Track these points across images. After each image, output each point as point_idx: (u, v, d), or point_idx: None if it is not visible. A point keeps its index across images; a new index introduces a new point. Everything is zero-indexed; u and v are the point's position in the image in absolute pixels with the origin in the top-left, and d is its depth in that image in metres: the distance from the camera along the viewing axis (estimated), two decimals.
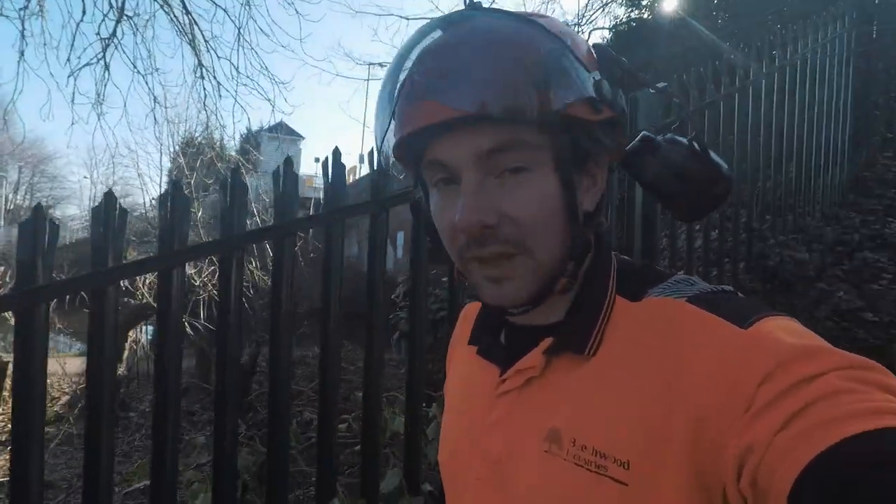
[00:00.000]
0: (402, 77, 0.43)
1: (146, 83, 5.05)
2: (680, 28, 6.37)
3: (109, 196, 1.29)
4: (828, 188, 3.45)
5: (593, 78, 0.44)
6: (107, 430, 1.24)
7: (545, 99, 0.41)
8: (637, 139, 0.54)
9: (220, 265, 1.44)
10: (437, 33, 0.43)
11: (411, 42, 0.44)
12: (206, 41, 4.97)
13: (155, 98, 5.11)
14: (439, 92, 0.41)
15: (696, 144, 0.52)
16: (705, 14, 6.51)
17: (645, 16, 7.82)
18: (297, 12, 5.17)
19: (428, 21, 0.45)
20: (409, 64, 0.43)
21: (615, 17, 8.78)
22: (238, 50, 5.01)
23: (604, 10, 8.93)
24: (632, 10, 8.22)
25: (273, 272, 1.48)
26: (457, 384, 0.60)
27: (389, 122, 0.44)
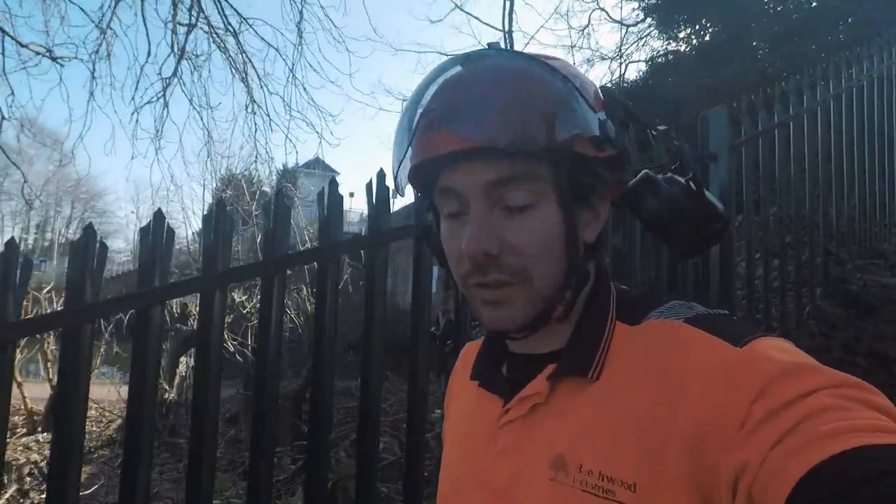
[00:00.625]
0: (419, 109, 0.46)
1: (201, 119, 5.41)
2: (715, 60, 6.30)
3: (159, 216, 1.30)
4: None
5: (598, 118, 0.46)
6: (145, 449, 1.20)
7: (552, 134, 0.43)
8: (639, 177, 0.56)
9: (262, 287, 1.42)
10: (456, 69, 0.46)
11: (431, 76, 0.47)
12: (259, 78, 5.27)
13: (209, 132, 5.45)
14: (451, 123, 0.43)
15: (692, 184, 0.53)
16: (746, 46, 6.45)
17: (682, 48, 7.80)
18: (348, 49, 5.45)
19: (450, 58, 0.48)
20: (427, 97, 0.46)
21: (652, 50, 8.82)
22: (289, 86, 5.33)
23: (638, 44, 9.02)
24: (668, 43, 8.23)
25: (316, 296, 1.45)
26: (458, 422, 0.60)
27: (406, 150, 0.47)
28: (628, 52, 9.08)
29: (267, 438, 1.32)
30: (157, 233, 1.27)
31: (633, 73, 8.61)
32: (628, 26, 8.73)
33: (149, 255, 1.26)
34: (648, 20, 8.30)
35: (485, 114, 0.43)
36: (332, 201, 1.45)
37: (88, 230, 1.23)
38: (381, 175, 1.51)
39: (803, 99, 2.56)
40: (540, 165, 0.45)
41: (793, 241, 2.52)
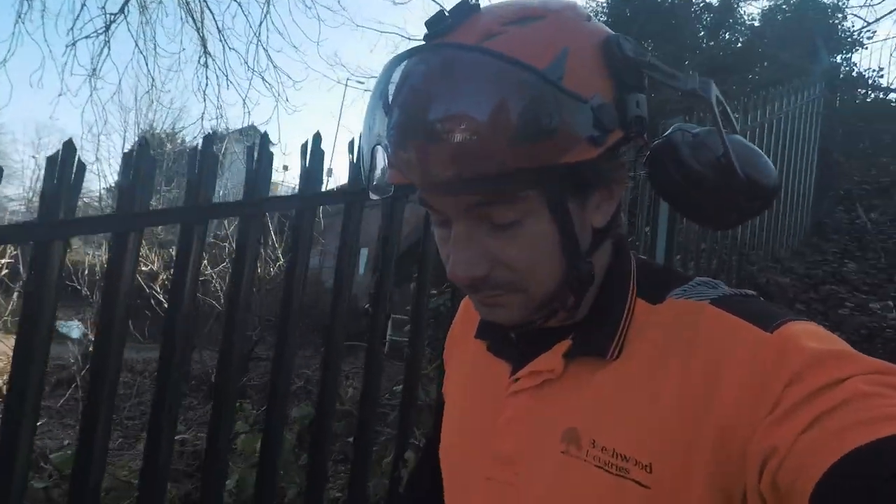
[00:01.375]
0: (385, 118, 0.40)
1: (146, 63, 4.96)
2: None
3: (143, 143, 1.26)
4: (795, 228, 3.96)
5: (592, 106, 0.39)
6: (31, 395, 1.13)
7: (526, 158, 0.37)
8: (664, 137, 0.48)
9: (180, 237, 1.37)
10: (418, 69, 0.39)
11: (395, 77, 0.40)
12: (219, 31, 4.91)
13: (153, 80, 4.99)
14: (420, 155, 0.38)
15: (723, 159, 0.45)
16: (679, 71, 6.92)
17: None
18: (318, 17, 5.20)
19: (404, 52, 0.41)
20: (392, 104, 0.39)
21: None
22: (248, 44, 4.98)
23: None
24: None
25: (235, 253, 1.41)
26: (461, 378, 0.58)
27: (372, 157, 0.42)
28: None
29: (171, 394, 1.27)
30: (66, 161, 1.18)
31: None
32: None
33: (55, 186, 1.17)
34: None
35: (451, 144, 0.37)
36: (262, 156, 1.41)
37: (68, 145, 1.17)
38: (316, 137, 1.50)
39: (738, 122, 3.00)
40: (521, 181, 0.39)
41: (709, 246, 2.99)
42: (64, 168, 1.18)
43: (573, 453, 0.43)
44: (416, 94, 0.39)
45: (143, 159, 1.27)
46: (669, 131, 0.48)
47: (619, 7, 7.45)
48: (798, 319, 0.39)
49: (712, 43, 7.08)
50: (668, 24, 7.16)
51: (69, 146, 1.18)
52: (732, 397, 0.37)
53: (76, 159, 1.20)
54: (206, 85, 5.00)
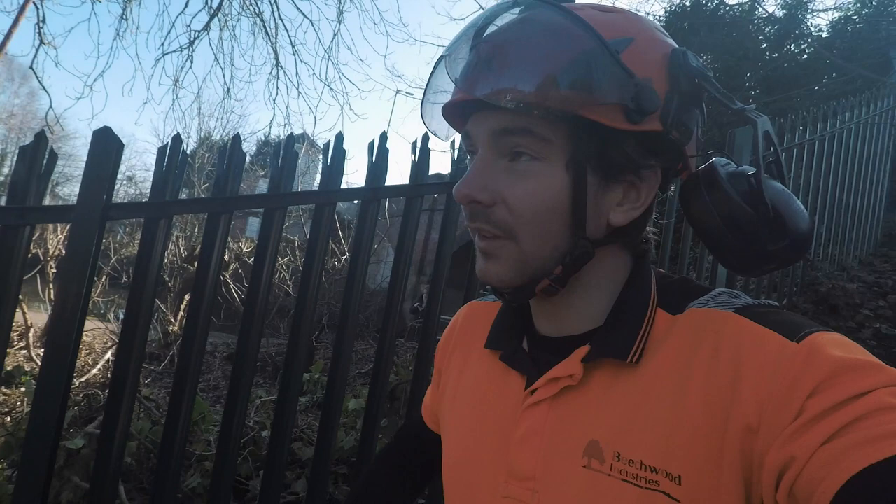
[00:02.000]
0: (449, 52, 0.45)
1: (223, 75, 5.54)
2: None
3: (177, 139, 1.37)
4: (863, 239, 4.01)
5: (636, 84, 0.40)
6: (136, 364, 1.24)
7: (555, 96, 0.39)
8: (702, 166, 0.48)
9: (207, 225, 1.47)
10: (504, 17, 0.44)
11: (478, 20, 0.45)
12: (292, 45, 5.34)
13: (228, 89, 5.53)
14: (469, 76, 0.43)
15: (753, 181, 0.45)
16: (738, 86, 6.64)
17: None
18: (386, 32, 5.58)
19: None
20: (463, 40, 0.45)
21: None
22: (317, 58, 5.42)
23: None
24: None
25: (258, 242, 1.48)
26: (466, 387, 0.56)
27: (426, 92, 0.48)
28: None
29: (191, 377, 1.34)
30: (38, 150, 1.25)
31: None
32: None
33: (26, 173, 1.24)
34: None
35: (496, 69, 0.41)
36: (336, 153, 1.51)
37: (40, 137, 1.24)
38: (339, 137, 1.56)
39: (806, 132, 3.00)
40: (546, 125, 0.42)
41: None
42: (35, 157, 1.25)
43: (596, 467, 0.41)
44: (498, 29, 0.43)
45: (174, 153, 1.39)
46: (705, 165, 0.48)
47: (677, 21, 7.26)
48: (824, 330, 0.38)
49: (776, 55, 6.76)
50: (729, 37, 6.90)
51: (41, 137, 1.24)
52: (755, 401, 0.36)
53: (48, 149, 1.27)
54: (277, 94, 5.56)
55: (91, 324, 4.94)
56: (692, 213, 0.47)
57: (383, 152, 1.58)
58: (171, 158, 1.37)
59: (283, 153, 1.49)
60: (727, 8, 6.90)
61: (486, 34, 0.43)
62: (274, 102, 5.58)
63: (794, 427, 0.33)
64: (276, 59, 5.29)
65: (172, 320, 4.97)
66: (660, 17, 7.65)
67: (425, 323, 1.63)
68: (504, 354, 0.52)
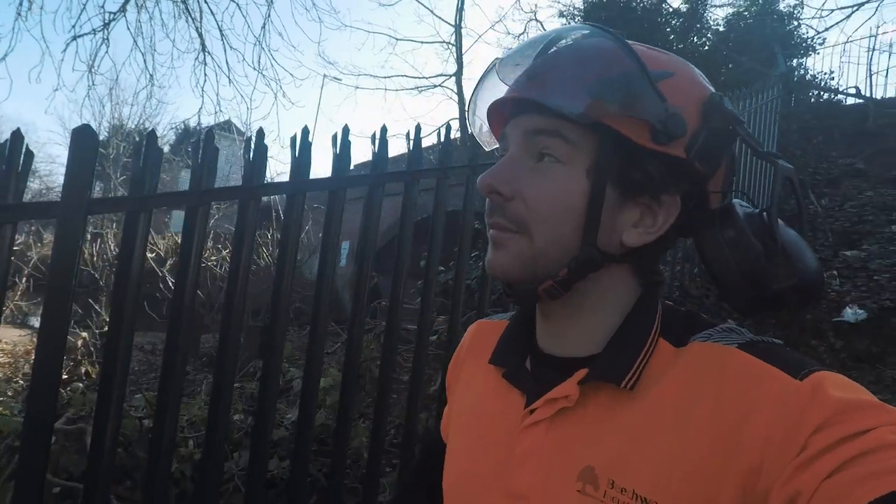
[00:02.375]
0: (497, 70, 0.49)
1: (144, 61, 5.14)
2: None
3: (152, 135, 1.39)
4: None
5: (667, 109, 0.42)
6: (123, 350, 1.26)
7: (588, 103, 0.42)
8: (719, 205, 0.49)
9: (186, 219, 1.49)
10: (569, 38, 0.47)
11: (544, 37, 0.48)
12: (220, 29, 5.06)
13: (151, 76, 5.17)
14: (521, 79, 0.46)
15: (765, 216, 0.46)
16: None
17: None
18: (319, 18, 5.38)
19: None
20: (528, 51, 0.48)
21: None
22: (247, 43, 5.15)
23: None
24: None
25: (182, 241, 1.47)
26: (470, 402, 0.57)
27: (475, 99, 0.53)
28: None
29: (118, 377, 1.38)
30: (14, 149, 1.28)
31: None
32: None
33: (5, 171, 1.26)
34: None
35: (538, 77, 0.44)
36: (303, 147, 1.58)
37: (16, 134, 1.26)
38: (260, 133, 1.55)
39: None
40: (576, 130, 0.44)
41: None
42: (12, 156, 1.27)
43: (590, 493, 0.42)
44: (557, 47, 0.47)
45: (151, 151, 1.43)
46: (723, 204, 0.49)
47: (595, 12, 7.73)
48: (825, 369, 0.39)
49: (681, 46, 7.41)
50: (642, 28, 7.47)
51: (17, 135, 1.27)
52: (760, 438, 0.36)
53: (24, 147, 1.29)
54: (205, 81, 5.26)
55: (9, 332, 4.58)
56: (703, 246, 0.48)
57: (306, 146, 1.60)
58: (149, 152, 1.40)
59: (203, 148, 1.46)
60: (639, 1, 7.46)
61: (530, 52, 0.47)
62: (202, 90, 5.32)
63: (799, 462, 0.34)
64: (203, 45, 5.09)
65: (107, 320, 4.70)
66: (580, 8, 8.12)
67: (390, 309, 1.72)
68: (507, 371, 0.52)
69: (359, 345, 1.70)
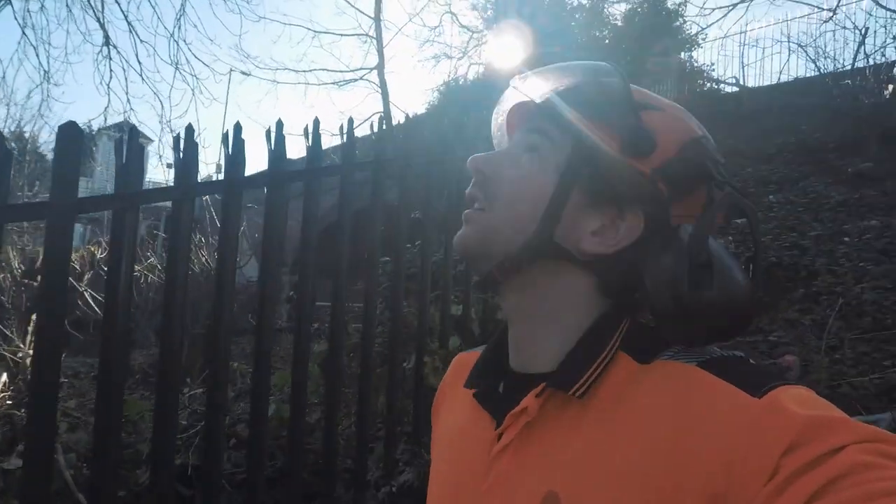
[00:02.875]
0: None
1: (37, 55, 4.49)
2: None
3: (134, 130, 1.39)
4: None
5: (637, 125, 0.44)
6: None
7: (570, 108, 0.46)
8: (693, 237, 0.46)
9: (113, 224, 1.44)
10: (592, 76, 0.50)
11: (570, 69, 0.52)
12: (128, 23, 4.51)
13: (46, 72, 4.63)
14: (529, 84, 0.51)
15: (749, 268, 0.46)
16: None
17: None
18: (240, 11, 4.98)
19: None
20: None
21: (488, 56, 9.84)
22: (164, 36, 4.63)
23: (479, 48, 10.00)
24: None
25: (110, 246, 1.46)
26: (448, 431, 0.58)
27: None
28: (470, 53, 10.07)
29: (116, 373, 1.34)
30: (131, 146, 1.34)
31: (473, 73, 9.54)
32: (472, 32, 9.69)
33: (123, 169, 1.31)
34: (488, 30, 9.28)
35: (530, 79, 0.51)
36: (188, 147, 1.51)
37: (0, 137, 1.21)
38: (189, 130, 1.54)
39: None
40: (558, 131, 0.48)
41: None
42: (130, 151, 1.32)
43: None
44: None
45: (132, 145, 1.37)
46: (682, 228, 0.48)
47: (507, 4, 8.03)
48: (788, 384, 0.39)
49: (585, 39, 7.90)
50: (552, 22, 7.86)
51: (134, 131, 1.35)
52: (722, 463, 0.36)
53: (3, 150, 1.23)
54: (111, 77, 4.69)
55: None
56: (645, 272, 0.46)
57: (239, 144, 1.58)
58: (131, 150, 1.35)
59: (126, 149, 1.39)
60: None
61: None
62: (108, 87, 4.77)
63: (770, 489, 0.33)
64: (106, 37, 4.60)
65: (21, 346, 4.22)
66: (492, 0, 8.37)
67: (298, 309, 1.70)
68: (477, 392, 0.53)
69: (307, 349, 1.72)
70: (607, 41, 7.51)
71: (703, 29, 7.53)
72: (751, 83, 6.91)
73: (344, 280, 1.84)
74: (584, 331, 0.47)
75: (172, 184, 1.49)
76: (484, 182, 0.50)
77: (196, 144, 1.54)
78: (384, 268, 2.69)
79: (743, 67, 7.79)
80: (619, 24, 7.62)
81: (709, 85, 6.89)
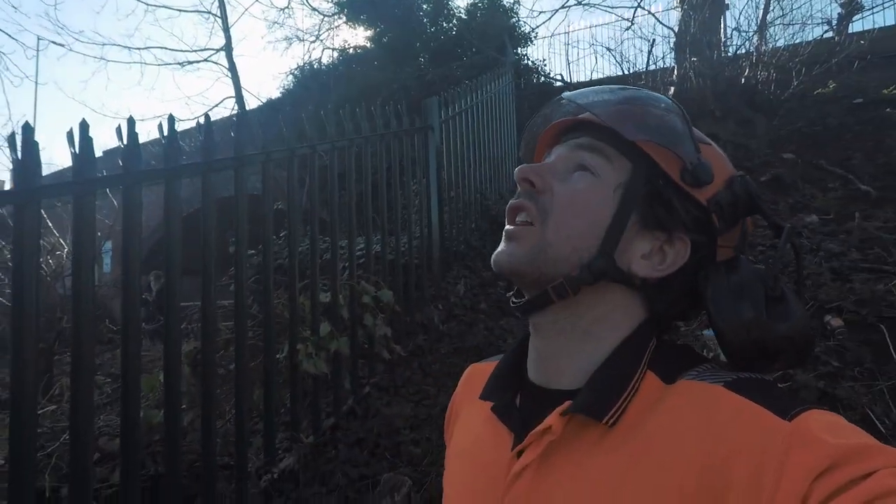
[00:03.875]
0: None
1: None
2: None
3: (84, 126, 1.39)
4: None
5: (697, 156, 0.46)
6: None
7: (634, 129, 0.46)
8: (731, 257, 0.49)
9: (15, 219, 1.35)
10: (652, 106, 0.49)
11: (630, 96, 0.51)
12: None
13: None
14: (577, 105, 0.50)
15: (774, 288, 0.46)
16: (413, 55, 7.85)
17: (368, 45, 8.82)
18: None
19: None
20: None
21: (343, 41, 9.67)
22: None
23: (331, 32, 9.76)
24: (356, 36, 9.13)
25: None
26: (464, 446, 0.56)
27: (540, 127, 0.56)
28: (323, 37, 9.80)
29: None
30: (84, 139, 1.30)
31: (327, 57, 9.32)
32: (324, 16, 9.41)
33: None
34: (340, 14, 9.10)
35: (590, 100, 0.48)
36: (26, 145, 1.41)
37: None
38: (83, 125, 1.49)
39: (465, 101, 4.09)
40: (617, 152, 0.47)
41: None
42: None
43: None
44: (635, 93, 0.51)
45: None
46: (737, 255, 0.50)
47: None
48: (815, 408, 0.38)
49: (434, 29, 8.21)
50: (399, 8, 7.99)
51: (84, 126, 1.25)
52: (755, 487, 0.35)
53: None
54: None
55: None
56: (707, 291, 0.47)
57: (87, 141, 1.50)
58: (82, 140, 1.39)
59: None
60: None
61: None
62: None
63: None
64: None
65: None
66: None
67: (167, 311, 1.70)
68: (495, 405, 0.52)
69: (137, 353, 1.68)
70: (454, 32, 7.91)
71: (533, 29, 8.38)
72: (577, 78, 7.96)
73: (212, 276, 1.83)
74: (613, 349, 0.47)
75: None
76: (534, 194, 0.48)
77: (37, 143, 1.43)
78: (250, 260, 2.66)
79: (569, 64, 9.03)
80: (464, 16, 8.06)
81: (542, 79, 7.73)
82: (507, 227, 0.49)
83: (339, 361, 2.41)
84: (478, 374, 0.60)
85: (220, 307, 2.45)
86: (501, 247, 0.48)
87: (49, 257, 3.89)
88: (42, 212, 1.45)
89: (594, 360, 0.47)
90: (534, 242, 0.46)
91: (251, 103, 8.82)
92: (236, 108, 7.88)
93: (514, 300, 0.50)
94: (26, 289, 1.35)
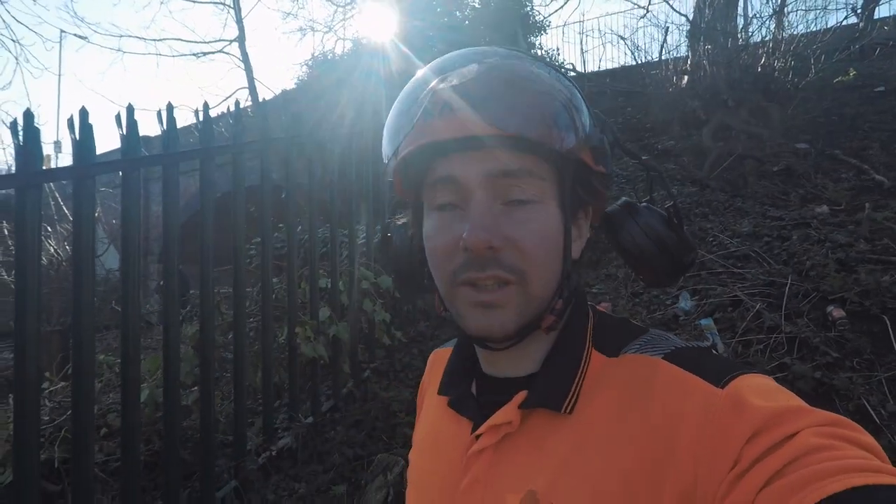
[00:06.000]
0: (427, 95, 0.43)
1: None
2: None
3: (84, 113, 1.42)
4: None
5: (598, 133, 0.46)
6: None
7: (561, 133, 0.42)
8: (618, 203, 0.54)
9: (16, 203, 1.41)
10: (468, 63, 0.44)
11: (440, 65, 0.45)
12: None
13: None
14: (460, 110, 0.41)
15: (672, 214, 0.52)
16: (429, 46, 7.85)
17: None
18: None
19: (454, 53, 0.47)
20: (440, 83, 0.43)
21: (355, 31, 9.69)
22: None
23: (345, 23, 9.77)
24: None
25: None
26: (425, 435, 0.57)
27: (402, 138, 0.44)
28: (336, 29, 9.84)
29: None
30: (84, 127, 1.37)
31: (341, 48, 9.38)
32: (337, 6, 9.47)
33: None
34: (353, 4, 9.15)
35: (496, 102, 0.41)
36: (27, 132, 1.45)
37: None
38: (28, 115, 1.47)
39: None
40: (544, 164, 0.44)
41: None
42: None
43: None
44: (482, 69, 0.44)
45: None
46: (621, 201, 0.55)
47: None
48: (749, 373, 0.40)
49: (446, 20, 8.20)
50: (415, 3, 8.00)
51: (84, 113, 1.32)
52: (689, 454, 0.37)
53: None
54: None
55: None
56: (624, 240, 0.52)
57: (87, 128, 1.54)
58: (83, 126, 1.43)
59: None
60: None
61: (462, 74, 0.43)
62: None
63: (734, 474, 0.34)
64: None
65: None
66: None
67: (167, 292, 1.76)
68: (451, 399, 0.53)
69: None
70: (467, 22, 7.89)
71: (545, 17, 8.31)
72: (590, 68, 7.90)
73: (210, 260, 1.90)
74: (558, 334, 0.48)
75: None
76: (498, 257, 0.43)
77: (38, 129, 1.48)
78: (252, 251, 2.74)
79: (583, 53, 8.92)
80: (478, 6, 8.04)
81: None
82: (480, 297, 0.44)
83: (338, 346, 2.48)
84: (439, 360, 0.61)
85: (226, 293, 2.53)
86: (483, 319, 0.44)
87: (66, 243, 4.05)
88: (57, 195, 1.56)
89: (542, 346, 0.48)
90: (519, 302, 0.44)
91: (266, 94, 8.92)
92: (249, 99, 7.99)
93: (491, 346, 0.46)
94: (29, 269, 1.41)
